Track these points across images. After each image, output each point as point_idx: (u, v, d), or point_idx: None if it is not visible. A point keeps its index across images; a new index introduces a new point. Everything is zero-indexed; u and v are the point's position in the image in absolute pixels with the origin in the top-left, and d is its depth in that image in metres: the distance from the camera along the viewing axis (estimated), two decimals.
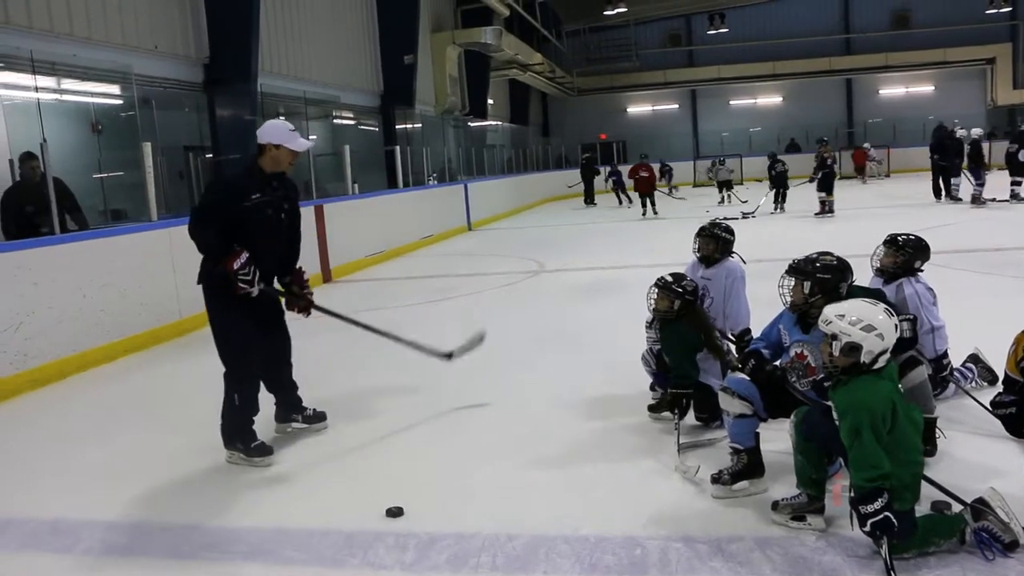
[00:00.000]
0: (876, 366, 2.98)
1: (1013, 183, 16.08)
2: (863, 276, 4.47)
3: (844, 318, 2.99)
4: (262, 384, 4.66)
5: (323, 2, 17.29)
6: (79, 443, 5.04)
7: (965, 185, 17.21)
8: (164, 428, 4.96)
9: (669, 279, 4.49)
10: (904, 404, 3.01)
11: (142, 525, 3.75)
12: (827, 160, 16.69)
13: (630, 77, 37.66)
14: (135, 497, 4.13)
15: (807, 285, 3.67)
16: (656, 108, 39.17)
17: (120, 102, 11.81)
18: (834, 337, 2.99)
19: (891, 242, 4.72)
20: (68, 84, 10.95)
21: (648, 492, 3.74)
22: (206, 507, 3.91)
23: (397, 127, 20.53)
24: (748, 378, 3.67)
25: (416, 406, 5.29)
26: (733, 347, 4.90)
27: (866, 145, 29.34)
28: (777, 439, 3.72)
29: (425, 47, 22.45)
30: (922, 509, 3.09)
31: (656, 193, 20.29)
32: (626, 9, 33.03)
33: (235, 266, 4.17)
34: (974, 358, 4.93)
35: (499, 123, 32.13)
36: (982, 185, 16.29)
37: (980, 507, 3.02)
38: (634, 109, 39.46)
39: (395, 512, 3.63)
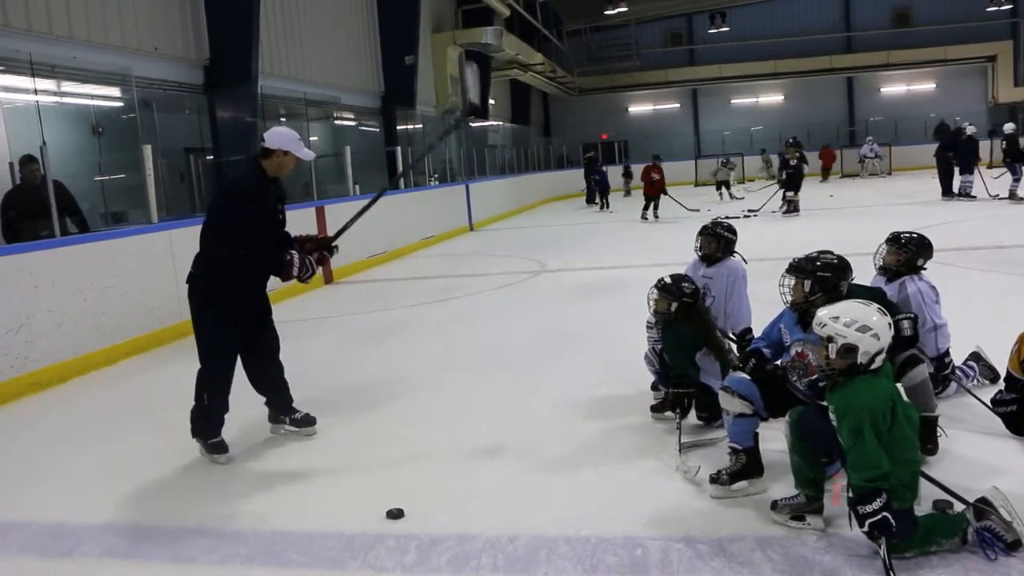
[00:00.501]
0: (873, 366, 2.98)
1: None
2: (865, 274, 4.47)
3: (839, 320, 2.99)
4: (253, 385, 4.79)
5: (323, 3, 17.29)
6: (80, 446, 5.04)
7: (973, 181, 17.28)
8: (165, 431, 4.96)
9: (668, 281, 4.48)
10: (902, 402, 3.01)
11: (143, 528, 3.74)
12: (790, 161, 17.21)
13: (631, 76, 37.62)
14: (136, 500, 4.13)
15: (807, 284, 3.67)
16: (657, 107, 39.12)
17: (120, 104, 11.80)
18: (830, 339, 2.99)
19: (893, 240, 4.71)
20: (68, 87, 10.95)
21: (649, 492, 3.74)
22: (207, 510, 3.91)
23: (398, 128, 20.52)
24: (748, 377, 3.67)
25: (416, 406, 5.28)
26: (735, 346, 4.90)
27: (869, 138, 29.23)
28: (776, 439, 3.71)
29: (425, 48, 22.43)
30: (924, 508, 3.08)
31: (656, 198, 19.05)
32: (627, 8, 32.98)
33: (295, 274, 4.44)
34: (976, 356, 4.92)
35: (500, 123, 32.11)
36: (1018, 180, 16.22)
37: (982, 506, 3.02)
38: (635, 108, 39.42)
39: (396, 514, 3.62)
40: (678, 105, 39.05)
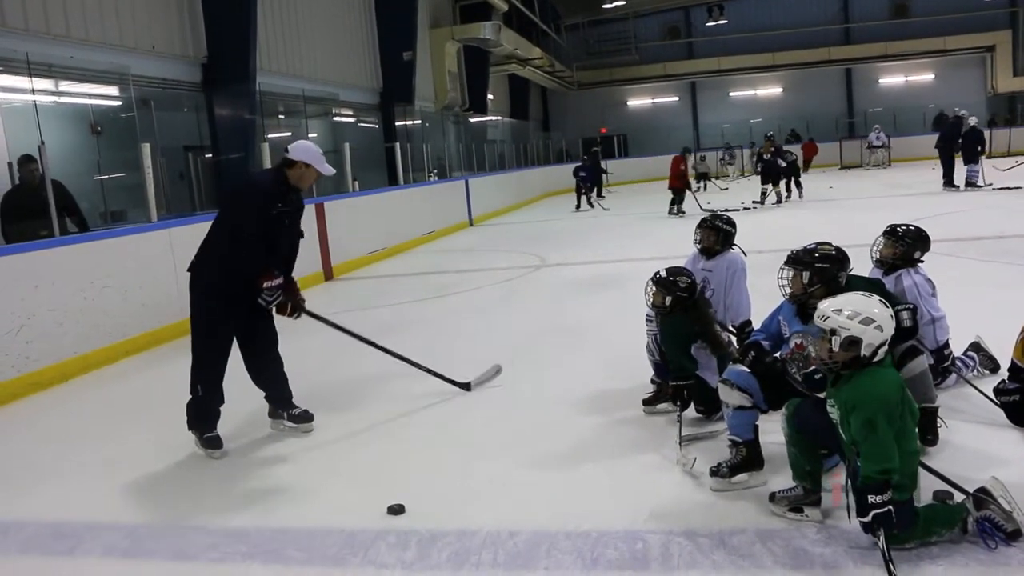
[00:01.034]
0: (876, 358, 2.96)
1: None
2: (863, 266, 4.46)
3: (841, 312, 2.96)
4: (253, 379, 4.83)
5: (321, 0, 17.28)
6: (81, 445, 5.05)
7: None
8: (166, 429, 4.96)
9: (664, 274, 4.47)
10: (907, 394, 3.00)
11: (144, 527, 3.75)
12: (763, 155, 17.85)
13: (630, 70, 37.61)
14: (136, 498, 4.14)
15: (806, 275, 3.67)
16: (656, 101, 39.08)
17: (119, 103, 11.80)
18: (833, 332, 2.96)
19: (890, 233, 4.70)
20: (66, 86, 10.95)
21: (649, 486, 3.74)
22: (208, 508, 3.92)
23: (397, 124, 20.51)
24: (748, 370, 3.67)
25: (416, 403, 5.28)
26: (734, 339, 4.90)
27: (876, 127, 29.14)
28: (776, 431, 3.70)
29: (424, 43, 22.41)
30: (924, 499, 3.08)
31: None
32: (625, 2, 32.99)
33: (265, 286, 4.41)
34: (975, 346, 4.91)
35: (499, 118, 32.09)
36: None
37: (982, 496, 3.02)
38: (634, 102, 39.39)
39: (396, 510, 3.63)
40: (677, 98, 39.03)
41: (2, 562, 3.52)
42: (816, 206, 16.86)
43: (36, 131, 9.36)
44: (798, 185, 18.85)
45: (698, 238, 5.18)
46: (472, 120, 28.22)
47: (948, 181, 17.72)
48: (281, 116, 16.20)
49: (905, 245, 4.60)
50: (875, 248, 4.73)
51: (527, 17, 28.57)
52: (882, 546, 2.79)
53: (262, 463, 4.47)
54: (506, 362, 5.92)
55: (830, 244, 3.81)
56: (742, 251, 5.19)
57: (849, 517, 2.96)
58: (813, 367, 3.52)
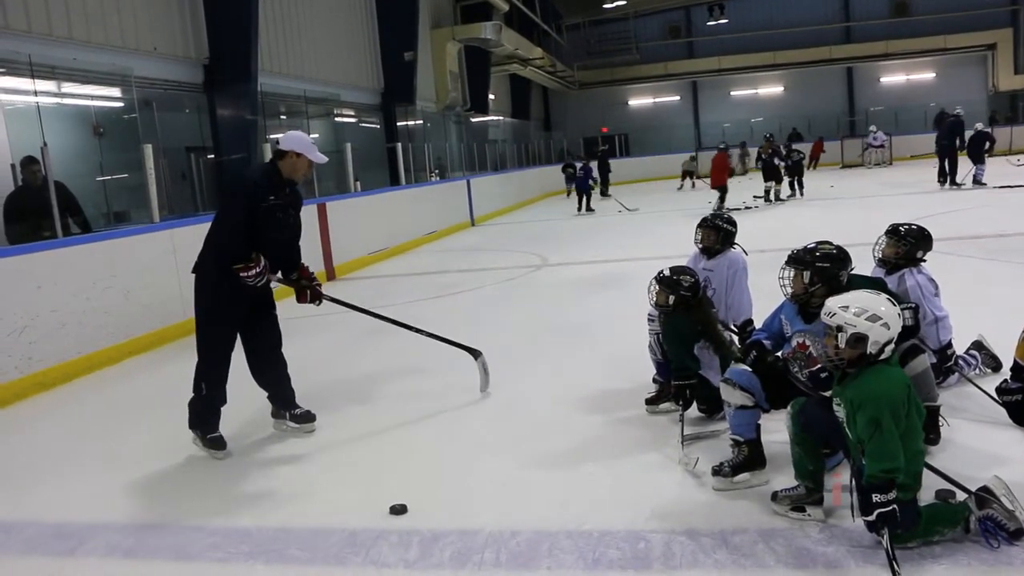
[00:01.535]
0: (882, 356, 2.96)
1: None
2: (865, 265, 4.46)
3: (848, 309, 2.96)
4: (255, 379, 4.83)
5: (322, 0, 17.28)
6: (83, 445, 5.06)
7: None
8: (168, 429, 4.97)
9: (667, 273, 4.47)
10: (913, 392, 2.99)
11: (146, 526, 3.75)
12: (761, 155, 18.20)
13: (631, 70, 37.64)
14: (139, 498, 4.15)
15: (807, 275, 3.67)
16: (657, 100, 39.09)
17: (121, 104, 11.83)
18: (839, 329, 2.95)
19: (893, 232, 4.68)
20: (68, 87, 10.97)
21: (651, 486, 3.74)
22: (210, 507, 3.92)
23: (398, 124, 20.51)
24: (749, 369, 3.67)
25: (418, 403, 5.28)
26: (736, 338, 4.90)
27: (872, 127, 29.16)
28: (778, 430, 3.70)
29: (425, 43, 22.42)
30: (926, 498, 3.08)
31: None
32: (625, 2, 32.99)
33: (244, 275, 4.39)
34: (978, 345, 4.90)
35: (500, 118, 32.10)
36: None
37: (984, 495, 3.01)
38: (635, 102, 39.40)
39: (398, 509, 3.63)
40: (678, 98, 39.03)
41: (4, 562, 3.53)
42: (817, 205, 16.86)
43: (39, 132, 9.39)
44: (800, 184, 18.97)
45: (699, 238, 5.18)
46: (473, 120, 28.24)
47: (945, 179, 17.80)
48: (283, 117, 16.22)
49: (908, 244, 4.59)
50: (877, 248, 4.72)
51: (528, 17, 28.59)
52: (886, 545, 2.79)
53: (264, 463, 4.48)
54: (507, 362, 5.92)
55: (831, 243, 3.81)
56: (743, 250, 5.19)
57: (853, 516, 2.96)
58: (818, 366, 3.51)
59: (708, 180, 18.72)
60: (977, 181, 17.34)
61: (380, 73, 20.20)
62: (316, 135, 16.95)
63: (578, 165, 21.54)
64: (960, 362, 4.68)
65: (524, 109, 35.63)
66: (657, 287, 4.44)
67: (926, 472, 3.09)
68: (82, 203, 8.21)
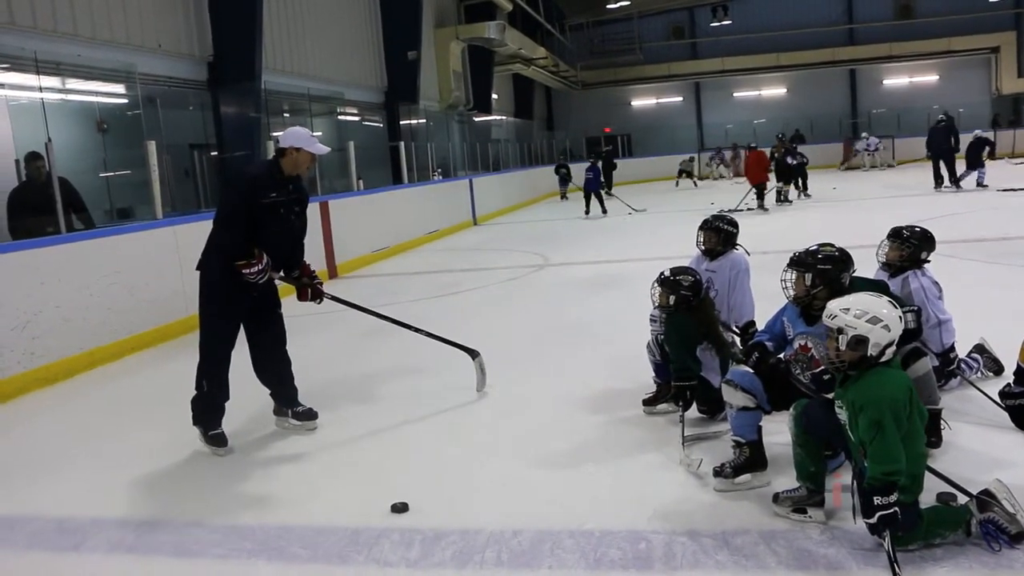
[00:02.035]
0: (883, 358, 2.97)
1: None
2: (868, 268, 4.46)
3: (849, 311, 2.97)
4: (258, 376, 4.85)
5: None
6: (86, 441, 5.07)
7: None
8: (171, 426, 4.98)
9: (669, 274, 4.47)
10: (915, 395, 3.00)
11: (148, 523, 3.76)
12: (775, 155, 18.33)
13: (634, 70, 37.61)
14: (142, 495, 4.15)
15: (809, 277, 3.68)
16: (660, 101, 39.07)
17: (125, 101, 11.85)
18: (840, 331, 2.96)
19: (896, 235, 4.68)
20: (73, 84, 10.98)
21: (652, 486, 3.75)
22: (212, 505, 3.93)
23: (401, 123, 20.52)
24: (751, 371, 3.67)
25: (420, 401, 5.29)
26: (738, 339, 4.90)
27: (864, 134, 29.15)
28: (779, 432, 3.71)
29: (429, 43, 22.42)
30: (927, 501, 3.08)
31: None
32: (629, 2, 32.94)
33: (246, 271, 4.40)
34: (980, 348, 4.90)
35: (503, 118, 32.10)
36: None
37: (986, 499, 3.02)
38: (638, 102, 39.38)
39: (400, 508, 3.64)
40: (681, 99, 39.00)
41: (8, 557, 3.54)
42: (819, 207, 16.86)
43: (43, 128, 9.40)
44: (804, 187, 19.04)
45: (701, 239, 5.18)
46: (476, 119, 28.24)
47: (940, 183, 17.90)
48: (286, 114, 16.21)
49: (911, 247, 4.59)
50: (880, 251, 4.72)
51: (532, 17, 28.59)
52: (887, 547, 2.80)
53: (267, 461, 4.49)
54: (509, 361, 5.93)
55: (832, 245, 3.81)
56: (745, 251, 5.19)
57: (854, 518, 2.97)
58: (821, 368, 3.52)
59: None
60: (980, 184, 17.40)
61: (384, 72, 20.20)
62: (319, 133, 16.94)
63: (585, 166, 20.43)
64: (962, 365, 4.68)
65: (527, 109, 35.63)
66: (658, 288, 4.45)
67: (927, 475, 3.09)
68: (86, 199, 8.21)
